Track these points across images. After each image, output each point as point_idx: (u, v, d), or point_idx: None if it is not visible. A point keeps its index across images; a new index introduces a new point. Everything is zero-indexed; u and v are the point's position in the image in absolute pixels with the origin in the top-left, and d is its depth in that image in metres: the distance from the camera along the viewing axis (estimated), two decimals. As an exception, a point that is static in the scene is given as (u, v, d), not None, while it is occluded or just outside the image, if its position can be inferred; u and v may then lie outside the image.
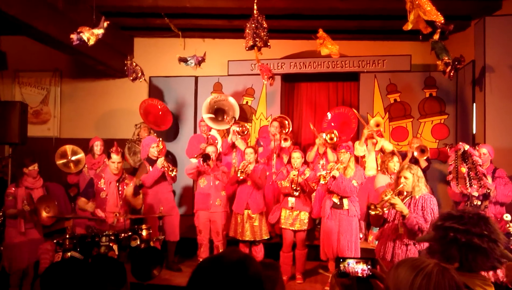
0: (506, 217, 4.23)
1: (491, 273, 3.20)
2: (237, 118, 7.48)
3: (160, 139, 5.95)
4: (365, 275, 1.84)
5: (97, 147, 6.28)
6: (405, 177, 3.78)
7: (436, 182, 6.93)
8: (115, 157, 4.96)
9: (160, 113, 7.80)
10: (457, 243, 1.84)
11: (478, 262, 1.81)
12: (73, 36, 4.84)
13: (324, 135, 5.96)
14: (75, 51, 6.48)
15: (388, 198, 3.66)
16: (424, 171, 6.06)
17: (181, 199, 7.96)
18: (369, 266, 1.85)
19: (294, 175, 5.22)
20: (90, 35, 4.82)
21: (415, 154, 5.97)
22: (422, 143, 6.60)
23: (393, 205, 3.68)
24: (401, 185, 3.77)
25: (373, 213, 3.72)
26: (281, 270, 5.41)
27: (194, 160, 6.87)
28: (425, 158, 6.08)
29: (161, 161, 5.55)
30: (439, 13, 4.60)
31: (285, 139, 6.51)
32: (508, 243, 3.78)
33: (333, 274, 1.89)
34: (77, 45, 4.99)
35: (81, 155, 6.47)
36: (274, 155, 6.60)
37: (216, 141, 7.04)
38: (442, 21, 4.67)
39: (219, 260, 1.39)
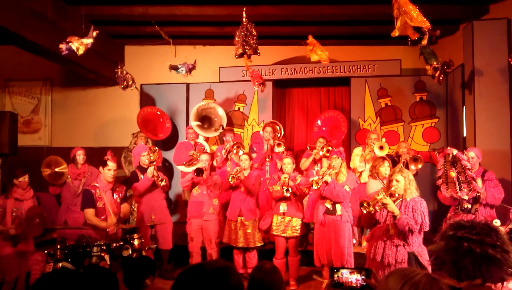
0: (496, 222, 4.26)
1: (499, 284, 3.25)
2: (224, 125, 7.51)
3: (156, 148, 5.93)
4: (358, 286, 1.83)
5: (80, 156, 6.21)
6: (397, 181, 3.84)
7: (428, 185, 6.94)
8: (111, 165, 4.91)
9: (161, 119, 7.75)
10: (471, 254, 1.82)
11: (491, 273, 1.80)
12: (62, 46, 4.83)
13: (321, 152, 5.94)
14: (65, 60, 6.46)
15: (380, 197, 3.73)
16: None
17: (175, 207, 7.95)
18: (363, 277, 1.84)
19: (285, 178, 5.21)
20: (79, 45, 4.82)
21: (412, 167, 5.97)
22: (410, 147, 6.61)
23: (384, 205, 3.74)
24: (393, 188, 3.83)
25: (365, 211, 3.79)
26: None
27: (181, 167, 6.87)
28: (419, 166, 6.09)
29: (151, 171, 5.55)
30: (425, 19, 4.65)
31: (279, 145, 6.51)
32: None
33: (327, 284, 1.88)
34: (66, 55, 4.97)
35: (65, 170, 6.36)
36: (268, 161, 6.60)
37: (204, 149, 7.02)
38: (429, 27, 4.72)
39: (200, 268, 1.39)
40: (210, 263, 1.42)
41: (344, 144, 7.62)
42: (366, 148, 6.29)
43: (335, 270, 1.89)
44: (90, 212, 4.76)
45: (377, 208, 3.80)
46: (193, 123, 7.29)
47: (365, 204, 3.78)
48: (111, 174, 4.90)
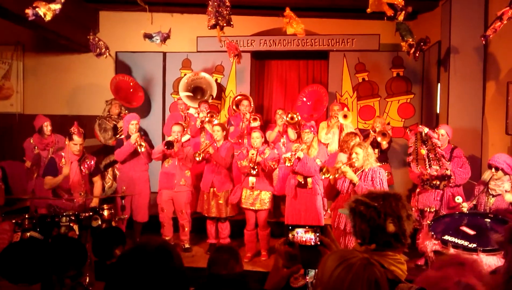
0: (458, 199, 4.40)
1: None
2: (214, 95, 7.48)
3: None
4: (312, 244, 1.82)
5: (47, 127, 6.15)
6: (357, 153, 4.23)
7: (401, 161, 7.05)
8: (77, 139, 4.90)
9: (131, 90, 7.63)
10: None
11: (362, 229, 1.88)
12: (29, 11, 4.62)
13: (285, 117, 6.02)
14: (36, 25, 6.21)
15: (339, 166, 4.10)
16: (385, 151, 6.19)
17: (151, 177, 7.88)
18: (317, 234, 1.84)
19: (252, 154, 5.22)
20: (46, 10, 4.61)
21: (379, 139, 6.02)
22: (385, 123, 6.64)
23: (344, 173, 4.12)
24: (353, 159, 4.23)
25: (323, 176, 4.22)
26: (246, 248, 5.53)
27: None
28: (384, 142, 6.14)
29: (134, 137, 5.52)
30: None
31: (254, 119, 6.48)
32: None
33: (281, 242, 1.84)
34: (34, 20, 4.78)
35: None
36: (245, 134, 6.57)
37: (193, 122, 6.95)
38: (402, 3, 4.70)
39: (141, 248, 1.38)
40: (149, 242, 1.41)
41: (323, 116, 7.62)
42: (331, 119, 6.39)
43: (290, 228, 1.87)
44: (47, 178, 4.86)
45: (336, 175, 4.18)
46: (182, 94, 7.19)
47: (324, 170, 4.20)
48: (77, 148, 4.92)
